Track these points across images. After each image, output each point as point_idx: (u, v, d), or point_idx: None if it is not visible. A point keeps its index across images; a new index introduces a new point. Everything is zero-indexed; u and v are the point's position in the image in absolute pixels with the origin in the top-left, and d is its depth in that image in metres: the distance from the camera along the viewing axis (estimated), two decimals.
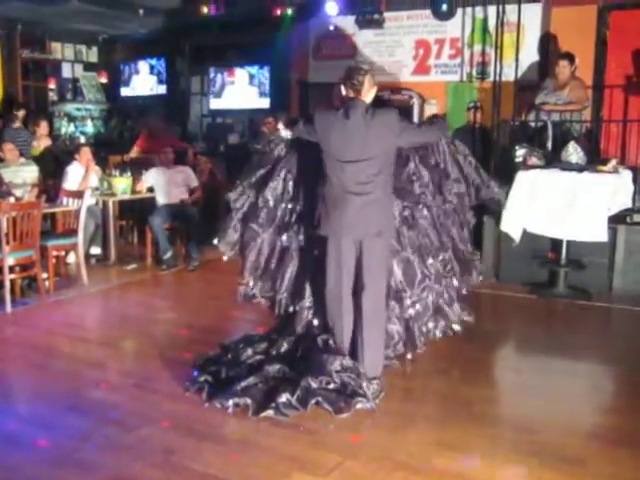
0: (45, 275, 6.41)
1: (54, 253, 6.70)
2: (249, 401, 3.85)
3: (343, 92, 4.08)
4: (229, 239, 4.66)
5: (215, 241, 4.71)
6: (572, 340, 5.31)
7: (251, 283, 4.70)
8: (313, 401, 3.86)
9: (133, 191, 8.00)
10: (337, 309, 4.21)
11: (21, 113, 8.92)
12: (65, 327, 5.62)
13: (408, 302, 4.46)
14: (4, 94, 10.97)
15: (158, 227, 7.53)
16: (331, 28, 10.34)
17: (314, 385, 3.94)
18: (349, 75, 4.03)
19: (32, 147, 8.56)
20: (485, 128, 8.29)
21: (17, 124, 8.69)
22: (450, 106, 9.36)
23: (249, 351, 4.43)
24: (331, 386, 3.97)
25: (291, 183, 4.55)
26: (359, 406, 3.88)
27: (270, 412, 3.79)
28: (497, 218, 6.59)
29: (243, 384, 3.98)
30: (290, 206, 4.57)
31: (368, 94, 4.05)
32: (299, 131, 4.29)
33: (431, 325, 4.61)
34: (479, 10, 9.33)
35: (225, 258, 4.74)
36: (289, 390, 3.88)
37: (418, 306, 4.49)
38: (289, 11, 10.23)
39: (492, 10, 8.53)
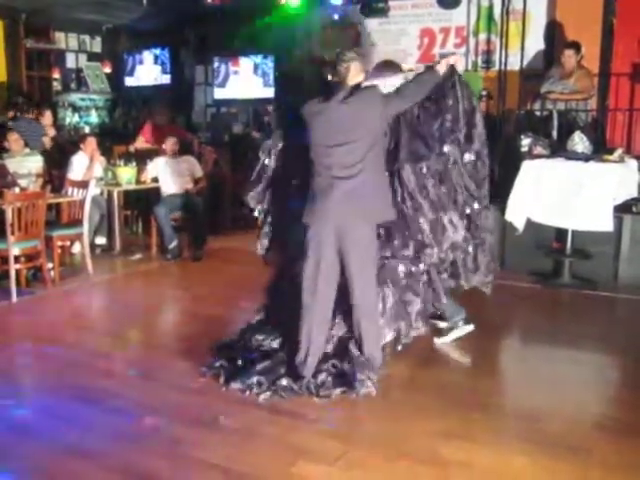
0: (50, 265, 6.42)
1: (59, 243, 6.72)
2: (264, 380, 3.97)
3: (329, 77, 4.06)
4: (255, 193, 4.56)
5: (245, 198, 4.61)
6: (577, 330, 5.31)
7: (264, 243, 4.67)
8: (305, 381, 3.95)
9: (138, 181, 8.01)
10: (311, 305, 4.05)
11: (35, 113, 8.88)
12: (70, 317, 5.64)
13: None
14: (9, 83, 10.97)
15: (163, 217, 7.54)
16: (336, 17, 10.31)
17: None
18: (335, 62, 4.02)
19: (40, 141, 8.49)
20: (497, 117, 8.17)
21: (32, 115, 8.68)
22: None
23: (263, 337, 4.48)
24: (325, 371, 4.04)
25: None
26: (356, 394, 3.92)
27: (269, 394, 3.92)
28: (502, 208, 6.57)
29: (259, 367, 4.07)
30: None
31: (354, 80, 4.02)
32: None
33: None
34: None
35: (256, 214, 4.65)
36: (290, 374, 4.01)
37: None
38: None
39: None
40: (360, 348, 4.10)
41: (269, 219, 4.61)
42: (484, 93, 8.49)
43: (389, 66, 4.80)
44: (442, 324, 4.94)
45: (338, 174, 3.93)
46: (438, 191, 4.29)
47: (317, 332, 4.06)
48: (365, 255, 4.02)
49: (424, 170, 4.26)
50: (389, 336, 4.36)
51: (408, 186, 4.24)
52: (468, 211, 4.38)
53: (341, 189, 3.91)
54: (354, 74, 4.03)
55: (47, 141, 8.48)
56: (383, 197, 4.09)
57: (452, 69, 4.27)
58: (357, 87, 4.01)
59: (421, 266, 4.33)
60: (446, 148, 4.31)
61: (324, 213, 3.97)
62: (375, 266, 4.16)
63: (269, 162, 4.51)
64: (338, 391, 3.92)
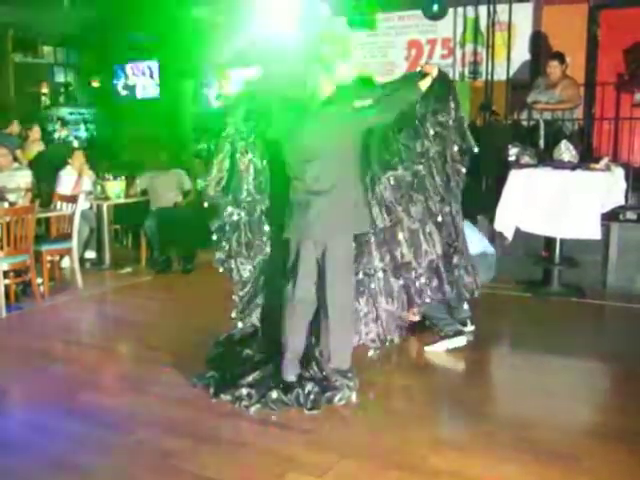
0: (40, 280, 6.40)
1: (48, 258, 6.70)
2: (253, 392, 3.97)
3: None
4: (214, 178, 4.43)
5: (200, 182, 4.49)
6: (566, 337, 5.33)
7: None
8: (293, 394, 3.95)
9: (127, 195, 8.00)
10: (290, 313, 4.11)
11: (15, 122, 8.86)
12: (60, 331, 5.62)
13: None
14: None
15: (152, 230, 7.54)
16: (323, 29, 10.36)
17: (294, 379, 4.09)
18: (304, 79, 3.98)
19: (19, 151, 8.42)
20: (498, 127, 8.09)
21: (9, 129, 8.67)
22: None
23: (253, 350, 4.47)
24: (310, 379, 4.07)
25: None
26: (336, 400, 3.96)
27: (258, 406, 3.92)
28: (491, 217, 6.60)
29: (249, 379, 4.08)
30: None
31: (324, 91, 3.98)
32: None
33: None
34: (470, 10, 9.35)
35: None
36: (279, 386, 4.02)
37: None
38: None
39: (483, 10, 8.54)
40: (328, 355, 4.12)
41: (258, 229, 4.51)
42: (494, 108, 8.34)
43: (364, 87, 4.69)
44: (467, 328, 5.01)
45: (314, 189, 3.95)
46: (413, 202, 4.27)
47: (297, 336, 4.11)
48: (343, 266, 4.07)
49: (396, 181, 4.24)
50: (360, 341, 4.40)
51: (385, 199, 4.25)
52: (440, 219, 4.36)
53: (317, 206, 3.93)
54: (323, 87, 3.98)
55: (20, 155, 8.40)
56: (359, 209, 4.09)
57: (442, 78, 4.23)
58: (328, 101, 3.97)
59: (400, 280, 4.34)
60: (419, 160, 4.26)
61: (302, 229, 4.01)
62: (352, 275, 4.18)
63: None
64: (324, 399, 3.95)
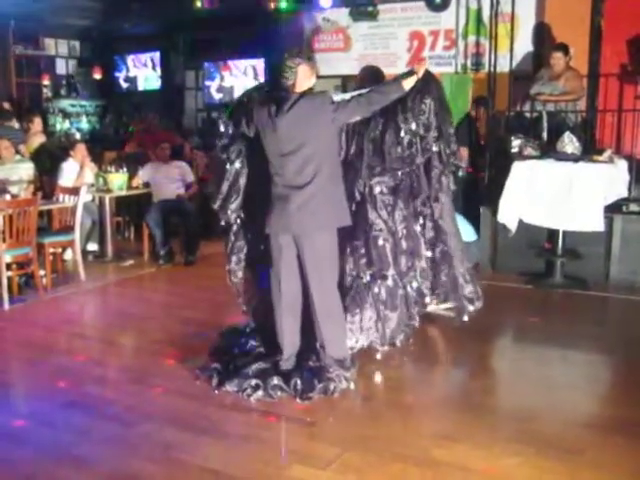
0: (42, 272, 6.40)
1: (51, 250, 6.70)
2: (260, 382, 3.98)
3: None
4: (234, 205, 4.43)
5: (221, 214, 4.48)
6: (569, 330, 5.32)
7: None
8: (293, 382, 3.97)
9: (129, 187, 7.99)
10: (278, 308, 4.14)
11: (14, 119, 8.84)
12: (63, 324, 5.62)
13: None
14: None
15: (155, 222, 7.53)
16: (325, 20, 10.34)
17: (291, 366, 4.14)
18: (279, 73, 3.92)
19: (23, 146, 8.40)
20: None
21: (11, 122, 8.65)
22: (449, 98, 9.30)
23: (258, 343, 4.49)
24: (308, 369, 4.09)
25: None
26: (330, 389, 3.96)
27: (260, 393, 3.95)
28: (494, 209, 6.59)
29: (255, 369, 4.10)
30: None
31: (304, 84, 3.93)
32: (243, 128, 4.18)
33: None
34: (473, 1, 9.32)
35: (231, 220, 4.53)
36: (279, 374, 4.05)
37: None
38: (283, 4, 10.22)
39: (486, 1, 8.50)
40: (324, 349, 4.11)
41: (244, 229, 4.52)
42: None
43: (373, 77, 4.66)
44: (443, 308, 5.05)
45: (293, 183, 3.93)
46: (395, 207, 4.28)
47: (288, 331, 4.14)
48: (324, 262, 4.04)
49: (380, 187, 4.25)
50: (365, 342, 4.38)
51: (369, 203, 4.25)
52: (421, 221, 4.38)
53: (297, 200, 3.91)
54: (302, 79, 3.91)
55: (23, 149, 8.37)
56: (339, 203, 4.06)
57: (425, 76, 4.18)
58: (306, 93, 3.92)
59: (390, 283, 4.32)
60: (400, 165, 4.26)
61: (282, 224, 4.00)
62: (336, 268, 4.16)
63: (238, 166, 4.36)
64: (318, 389, 3.95)
